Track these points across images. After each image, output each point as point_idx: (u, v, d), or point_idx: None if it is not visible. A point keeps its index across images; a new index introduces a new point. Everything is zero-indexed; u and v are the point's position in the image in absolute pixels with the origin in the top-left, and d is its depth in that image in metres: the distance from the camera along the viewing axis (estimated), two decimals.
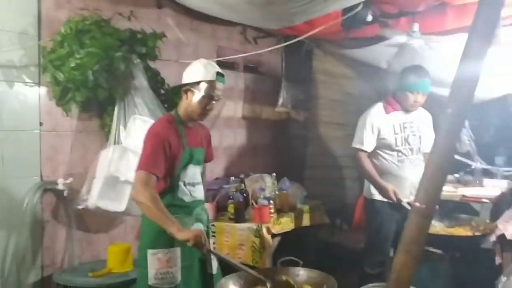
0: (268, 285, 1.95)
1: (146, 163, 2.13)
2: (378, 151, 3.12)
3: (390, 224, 3.02)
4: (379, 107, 3.14)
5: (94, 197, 2.72)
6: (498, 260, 3.32)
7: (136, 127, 2.71)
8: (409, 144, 3.08)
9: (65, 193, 2.78)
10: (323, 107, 4.59)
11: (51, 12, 2.75)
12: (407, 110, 3.09)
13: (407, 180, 2.99)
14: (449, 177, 4.26)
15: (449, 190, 3.82)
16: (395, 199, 2.91)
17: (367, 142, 3.09)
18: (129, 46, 2.84)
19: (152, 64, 3.11)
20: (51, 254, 2.81)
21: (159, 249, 2.16)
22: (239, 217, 3.28)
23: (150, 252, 2.17)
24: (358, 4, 2.88)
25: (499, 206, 3.89)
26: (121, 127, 2.78)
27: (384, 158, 3.11)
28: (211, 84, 2.21)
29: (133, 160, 2.66)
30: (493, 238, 3.24)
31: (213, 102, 2.25)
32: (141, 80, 2.85)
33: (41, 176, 2.74)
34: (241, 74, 4.29)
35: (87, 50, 2.65)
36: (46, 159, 2.77)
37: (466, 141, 3.95)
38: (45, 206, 2.77)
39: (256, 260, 3.13)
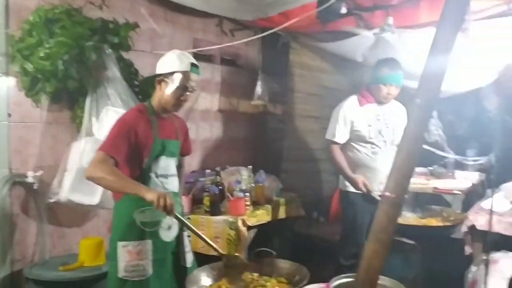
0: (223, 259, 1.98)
1: (106, 145, 2.10)
2: (352, 143, 3.16)
3: (365, 215, 3.05)
4: (352, 99, 3.17)
5: (66, 190, 2.68)
6: (468, 250, 3.40)
7: (109, 119, 2.66)
8: (382, 136, 3.12)
9: (35, 186, 2.73)
10: (299, 101, 4.60)
11: None
12: (380, 103, 3.13)
13: (381, 171, 3.02)
14: (422, 169, 4.34)
15: (421, 183, 3.89)
16: (365, 190, 2.96)
17: (339, 135, 3.13)
18: (100, 36, 2.79)
19: (125, 55, 3.06)
20: (22, 249, 2.76)
21: (129, 241, 2.15)
22: (214, 210, 3.27)
23: (120, 244, 2.15)
24: None
25: (470, 197, 3.99)
26: (93, 119, 2.73)
27: (358, 150, 3.14)
28: (185, 75, 2.19)
29: None
30: (464, 228, 3.31)
31: (187, 93, 2.23)
32: (113, 71, 2.80)
33: (10, 169, 2.67)
34: (217, 67, 4.26)
35: (57, 40, 2.59)
36: (15, 151, 2.70)
37: (434, 131, 4.02)
38: (14, 200, 2.71)
39: (232, 252, 3.12)
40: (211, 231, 3.21)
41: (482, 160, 4.11)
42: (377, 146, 3.11)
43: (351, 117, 3.11)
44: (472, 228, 3.29)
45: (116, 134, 2.13)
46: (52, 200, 2.73)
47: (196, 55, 3.81)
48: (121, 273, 2.14)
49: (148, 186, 2.17)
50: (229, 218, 3.18)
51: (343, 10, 2.96)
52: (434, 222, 3.00)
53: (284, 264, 2.10)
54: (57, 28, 2.63)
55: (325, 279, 1.91)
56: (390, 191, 1.62)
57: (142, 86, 3.11)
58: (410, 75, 3.12)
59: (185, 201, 2.97)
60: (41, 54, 2.57)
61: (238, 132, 4.54)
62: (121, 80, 2.85)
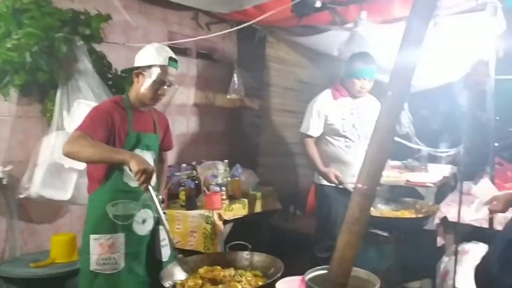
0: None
1: (83, 127, 2.06)
2: (326, 137, 3.19)
3: (339, 208, 3.08)
4: (327, 93, 3.20)
5: (37, 185, 2.62)
6: (440, 242, 3.48)
7: (80, 112, 2.60)
8: (356, 130, 3.15)
9: (4, 181, 2.66)
10: (276, 95, 4.61)
11: None
12: (354, 96, 3.17)
13: (354, 165, 3.06)
14: (396, 163, 4.41)
15: (395, 175, 3.95)
16: (337, 182, 3.00)
17: (313, 128, 3.16)
18: (71, 27, 2.73)
19: (97, 47, 3.00)
20: None
21: (101, 234, 2.13)
22: (190, 204, 3.26)
23: (92, 237, 2.14)
24: None
25: (442, 190, 4.08)
26: (64, 112, 2.67)
27: (332, 144, 3.18)
28: (163, 68, 2.19)
29: None
30: (436, 220, 3.39)
31: (165, 87, 2.22)
32: (85, 63, 2.74)
33: None
34: (193, 61, 4.22)
35: (25, 31, 2.52)
36: None
37: (405, 123, 4.10)
38: None
39: (208, 246, 3.11)
40: (187, 225, 3.19)
41: (452, 151, 4.20)
42: (350, 139, 3.15)
43: (325, 111, 3.14)
44: (444, 219, 3.37)
45: (94, 117, 2.10)
46: (22, 196, 2.67)
47: (171, 49, 3.77)
48: (92, 266, 2.13)
49: (122, 179, 2.16)
50: (205, 213, 3.17)
51: (318, 4, 2.97)
52: (407, 214, 3.05)
53: (259, 257, 2.10)
54: (26, 19, 2.56)
55: (301, 272, 1.92)
56: (363, 183, 1.64)
57: (116, 80, 3.06)
58: (384, 70, 3.16)
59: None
60: (9, 45, 2.50)
61: (214, 127, 4.52)
62: (93, 73, 2.80)
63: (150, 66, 2.18)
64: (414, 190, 4.06)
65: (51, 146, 2.64)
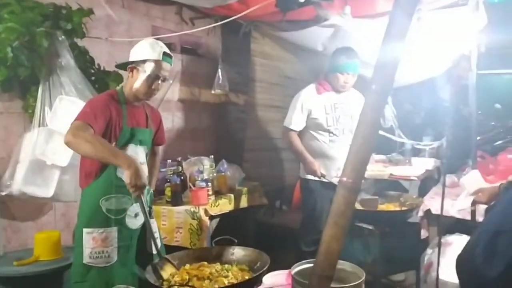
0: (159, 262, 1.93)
1: (84, 115, 2.06)
2: (310, 131, 3.20)
3: (324, 202, 3.11)
4: (311, 88, 3.22)
5: (18, 182, 2.58)
6: (424, 234, 3.53)
7: (62, 108, 2.58)
8: (340, 124, 3.18)
9: None
10: (261, 90, 4.60)
11: None
12: (338, 91, 3.19)
13: (339, 159, 3.08)
14: (381, 157, 4.46)
15: (378, 169, 3.99)
16: (319, 174, 3.03)
17: (296, 122, 3.18)
18: (52, 22, 2.68)
19: (80, 42, 2.96)
20: None
21: (95, 228, 2.16)
22: (176, 200, 3.24)
23: (85, 231, 2.17)
24: None
25: (426, 183, 4.14)
26: (46, 108, 2.63)
27: (316, 138, 3.20)
28: (157, 63, 2.21)
29: (60, 143, 2.54)
30: (420, 213, 3.43)
31: (159, 82, 2.24)
32: (67, 59, 2.70)
33: None
34: (177, 56, 4.18)
35: (5, 25, 2.48)
36: None
37: (389, 117, 4.15)
38: None
39: (194, 242, 3.11)
40: (173, 221, 3.18)
41: (435, 144, 4.27)
42: (334, 134, 3.17)
43: (308, 105, 3.16)
44: (428, 212, 3.42)
45: (94, 107, 2.10)
46: (4, 193, 2.63)
47: None
48: (86, 260, 2.16)
49: (116, 174, 2.18)
50: (191, 208, 3.16)
51: None
52: (391, 207, 3.08)
53: (245, 252, 2.09)
54: (6, 13, 2.51)
55: (288, 267, 1.93)
56: (347, 176, 1.64)
57: (99, 75, 3.02)
58: (368, 64, 3.18)
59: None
60: None
61: (199, 122, 4.50)
62: (75, 69, 2.76)
63: (144, 61, 2.21)
64: (399, 184, 4.12)
65: (33, 143, 2.60)
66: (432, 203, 3.41)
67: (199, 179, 3.31)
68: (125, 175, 1.93)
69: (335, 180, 2.88)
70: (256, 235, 3.87)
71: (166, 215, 3.20)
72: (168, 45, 3.96)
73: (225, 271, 1.94)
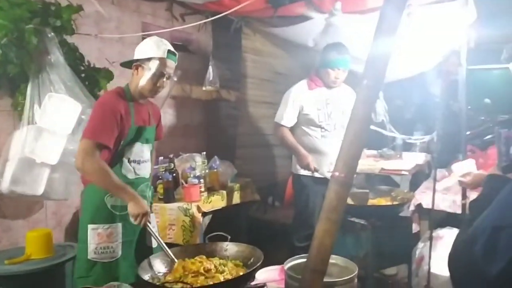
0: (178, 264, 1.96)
1: (92, 131, 2.11)
2: (302, 127, 3.21)
3: (316, 198, 3.12)
4: (302, 84, 3.23)
5: (7, 180, 2.56)
6: (416, 228, 3.56)
7: (52, 106, 2.55)
8: (332, 120, 3.19)
9: None
10: (253, 86, 4.59)
11: None
12: (329, 87, 3.20)
13: (331, 154, 3.10)
14: (372, 152, 4.48)
15: (370, 164, 4.02)
16: (313, 167, 3.04)
17: (287, 118, 3.19)
18: (41, 19, 2.65)
19: (69, 39, 2.93)
20: None
21: (99, 224, 2.20)
22: (168, 197, 3.24)
23: (90, 227, 2.21)
24: None
25: (417, 177, 4.17)
26: (36, 106, 2.61)
27: (308, 134, 3.21)
28: (161, 61, 2.24)
29: (50, 141, 2.53)
30: (411, 207, 3.46)
31: (164, 79, 2.27)
32: (56, 56, 2.67)
33: None
34: None
35: None
36: None
37: (381, 111, 4.17)
38: None
39: (187, 239, 3.11)
40: (166, 218, 3.17)
41: (426, 138, 4.30)
42: (326, 129, 3.19)
43: (300, 101, 3.17)
44: (419, 206, 3.45)
45: (104, 118, 2.13)
46: None
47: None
48: (90, 255, 2.20)
49: (121, 171, 2.23)
50: (184, 205, 3.15)
51: None
52: (383, 201, 3.10)
53: (238, 247, 2.10)
54: None
55: (281, 262, 1.93)
56: (340, 171, 1.65)
57: (89, 72, 3.00)
58: (359, 60, 3.19)
59: None
60: None
61: (191, 119, 4.48)
62: (65, 66, 2.73)
63: (149, 59, 2.24)
64: (390, 179, 4.14)
65: (22, 141, 2.57)
66: (423, 197, 3.45)
67: (191, 175, 3.31)
68: (128, 207, 2.12)
69: (328, 175, 2.89)
70: (249, 231, 3.87)
71: (158, 212, 3.18)
72: None
73: (222, 266, 1.94)
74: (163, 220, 3.17)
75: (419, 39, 3.32)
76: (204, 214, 3.25)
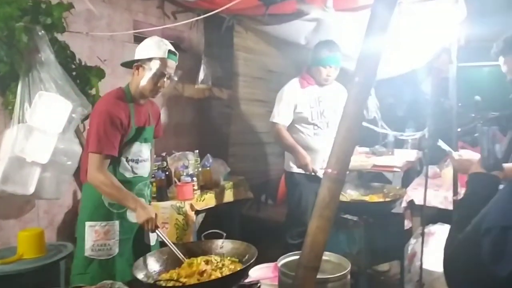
0: (186, 263, 1.95)
1: (97, 145, 2.15)
2: (295, 125, 3.22)
3: (309, 195, 3.13)
4: (294, 82, 3.23)
5: None
6: (408, 224, 3.59)
7: (42, 104, 2.54)
8: (324, 118, 3.20)
9: None
10: (245, 85, 4.59)
11: None
12: (321, 84, 3.21)
13: (322, 152, 3.11)
14: (365, 149, 4.50)
15: (362, 160, 4.03)
16: (311, 168, 3.04)
17: (284, 116, 3.18)
18: (32, 17, 2.62)
19: (60, 37, 2.91)
20: None
21: (97, 221, 2.23)
22: (161, 196, 3.23)
23: (87, 224, 2.24)
24: None
25: (409, 174, 4.20)
26: (26, 105, 2.58)
27: (301, 132, 3.21)
28: (162, 61, 2.24)
29: (40, 140, 2.51)
30: (403, 204, 3.49)
31: (164, 79, 2.27)
32: (47, 54, 2.65)
33: None
34: None
35: None
36: None
37: (372, 108, 4.20)
38: None
39: (180, 237, 3.11)
40: (159, 217, 3.09)
41: (417, 135, 4.33)
42: (319, 127, 3.20)
43: (294, 100, 3.17)
44: (411, 203, 3.48)
45: (105, 128, 2.16)
46: None
47: (137, 38, 3.71)
48: (87, 252, 2.24)
49: (118, 169, 2.26)
50: (177, 203, 3.15)
51: None
52: (375, 198, 3.13)
53: (233, 245, 2.11)
54: None
55: (274, 260, 1.94)
56: (332, 168, 1.66)
57: (80, 70, 2.98)
58: (350, 57, 3.21)
59: None
60: None
61: (184, 117, 4.47)
62: (55, 64, 2.70)
63: (150, 59, 2.25)
64: (382, 175, 4.17)
65: (13, 140, 2.55)
66: (415, 193, 3.47)
67: (184, 174, 3.30)
68: (135, 215, 2.17)
69: (320, 173, 2.90)
70: (242, 229, 3.88)
71: None
72: None
73: (221, 263, 1.94)
74: (156, 218, 3.15)
75: (410, 37, 3.34)
76: (197, 212, 3.25)
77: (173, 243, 2.10)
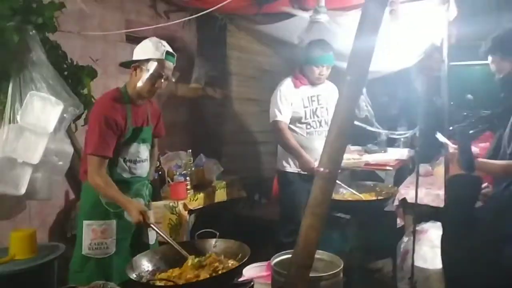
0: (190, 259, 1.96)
1: (94, 147, 2.20)
2: (289, 125, 3.22)
3: (302, 194, 3.13)
4: (288, 82, 3.24)
5: None
6: (400, 223, 3.61)
7: (34, 105, 2.52)
8: (317, 117, 3.22)
9: None
10: (238, 84, 4.60)
11: None
12: (314, 84, 3.22)
13: (315, 151, 3.11)
14: (357, 147, 4.53)
15: (354, 158, 4.06)
16: (315, 172, 3.03)
17: (285, 114, 3.18)
18: (23, 16, 2.58)
19: (51, 36, 2.88)
20: None
21: (94, 220, 2.27)
22: (154, 195, 3.20)
23: (85, 223, 2.29)
24: None
25: (401, 172, 4.22)
26: (17, 105, 2.55)
27: (294, 131, 3.22)
28: (160, 62, 2.25)
29: (32, 140, 2.49)
30: (396, 202, 3.50)
31: (162, 80, 2.29)
32: (38, 54, 2.61)
33: None
34: None
35: None
36: None
37: (364, 107, 4.21)
38: None
39: (174, 237, 3.09)
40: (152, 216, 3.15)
41: (409, 133, 4.36)
42: (312, 126, 3.21)
43: (289, 99, 3.18)
44: (404, 201, 3.49)
45: (100, 131, 2.20)
46: None
47: (129, 38, 3.70)
48: (84, 251, 2.29)
49: (116, 170, 2.31)
50: (170, 203, 3.15)
51: None
52: (368, 196, 3.14)
53: (227, 244, 2.12)
54: None
55: (268, 259, 1.95)
56: (324, 166, 1.67)
57: (72, 70, 2.96)
58: (343, 56, 3.21)
59: None
60: None
61: (177, 117, 4.46)
62: (47, 64, 2.67)
63: (147, 60, 2.26)
64: (375, 174, 4.19)
65: (3, 140, 2.51)
66: (407, 192, 3.49)
67: (177, 173, 3.30)
68: (129, 214, 2.21)
69: None
70: (236, 228, 3.86)
71: None
72: (142, 39, 3.95)
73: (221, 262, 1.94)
74: None
75: (402, 36, 3.35)
76: (191, 212, 3.25)
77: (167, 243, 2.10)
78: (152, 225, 2.21)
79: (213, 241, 2.14)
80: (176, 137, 4.38)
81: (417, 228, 3.09)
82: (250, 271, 2.08)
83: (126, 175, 2.35)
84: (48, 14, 2.75)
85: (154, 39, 2.34)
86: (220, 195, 3.67)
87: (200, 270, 1.88)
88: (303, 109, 3.20)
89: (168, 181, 3.31)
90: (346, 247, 2.88)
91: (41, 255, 2.51)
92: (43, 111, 2.52)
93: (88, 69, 3.02)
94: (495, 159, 2.08)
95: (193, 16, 3.59)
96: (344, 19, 3.42)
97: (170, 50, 2.32)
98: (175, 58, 2.35)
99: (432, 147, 3.73)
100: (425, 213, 3.44)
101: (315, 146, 3.12)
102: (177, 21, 3.66)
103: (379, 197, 3.11)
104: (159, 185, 3.28)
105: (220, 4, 3.10)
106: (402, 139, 4.61)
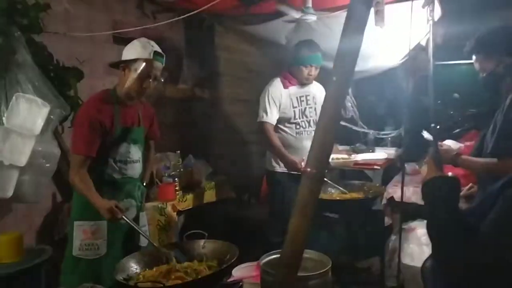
0: (173, 256, 1.99)
1: (77, 146, 2.22)
2: (278, 125, 3.25)
3: (291, 193, 3.14)
4: (277, 83, 3.25)
5: None
6: (388, 221, 3.64)
7: (20, 107, 2.49)
8: (306, 117, 3.24)
9: None
10: (226, 84, 4.60)
11: None
12: (302, 84, 3.24)
13: (304, 150, 3.13)
14: (346, 147, 4.55)
15: (343, 157, 4.09)
16: (301, 169, 3.05)
17: (271, 115, 3.20)
18: (7, 17, 2.56)
19: (37, 38, 2.85)
20: None
21: (85, 221, 2.26)
22: None
23: (76, 223, 2.28)
24: None
25: (389, 172, 4.25)
26: (3, 107, 2.53)
27: (284, 131, 3.24)
28: (148, 62, 2.25)
29: (18, 142, 2.47)
30: (384, 201, 3.53)
31: (150, 80, 2.28)
32: (23, 55, 2.59)
33: None
34: None
35: None
36: None
37: (350, 107, 4.25)
38: None
39: (163, 238, 3.10)
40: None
41: (395, 133, 4.40)
42: (301, 126, 3.23)
43: (278, 99, 3.19)
44: (391, 200, 3.53)
45: (85, 132, 2.21)
46: None
47: (116, 38, 3.67)
48: (75, 252, 2.30)
49: (106, 171, 2.31)
50: (159, 204, 3.14)
51: None
52: (356, 196, 3.16)
53: (215, 244, 2.12)
54: None
55: (258, 259, 1.95)
56: (311, 167, 1.68)
57: (58, 72, 2.93)
58: (330, 57, 3.23)
59: None
60: None
61: (165, 118, 4.43)
62: (32, 65, 2.65)
63: (135, 60, 2.25)
64: (363, 173, 4.22)
65: None
66: (395, 190, 3.52)
67: (166, 174, 3.30)
68: (101, 213, 2.19)
69: None
70: (225, 228, 3.86)
71: None
72: (129, 40, 3.90)
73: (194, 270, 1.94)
74: None
75: (387, 36, 3.38)
76: (180, 213, 3.25)
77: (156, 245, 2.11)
78: (124, 217, 2.20)
79: (201, 242, 2.14)
80: (164, 138, 4.35)
81: (405, 226, 3.12)
82: (239, 271, 2.07)
83: (116, 175, 2.35)
84: (33, 15, 2.73)
85: (143, 39, 2.34)
86: (209, 196, 3.67)
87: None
88: (292, 109, 3.21)
89: (157, 183, 3.30)
90: (335, 246, 2.89)
91: (28, 258, 2.50)
92: (29, 113, 2.50)
93: (75, 71, 3.00)
94: (479, 157, 2.11)
95: (181, 17, 3.58)
96: (331, 19, 3.44)
97: (159, 50, 2.31)
98: (164, 58, 2.34)
99: (419, 146, 3.78)
100: (412, 212, 3.48)
101: (305, 146, 3.14)
102: (165, 22, 3.64)
103: (367, 196, 3.13)
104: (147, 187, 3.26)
105: (208, 5, 3.10)
106: (389, 139, 4.65)
